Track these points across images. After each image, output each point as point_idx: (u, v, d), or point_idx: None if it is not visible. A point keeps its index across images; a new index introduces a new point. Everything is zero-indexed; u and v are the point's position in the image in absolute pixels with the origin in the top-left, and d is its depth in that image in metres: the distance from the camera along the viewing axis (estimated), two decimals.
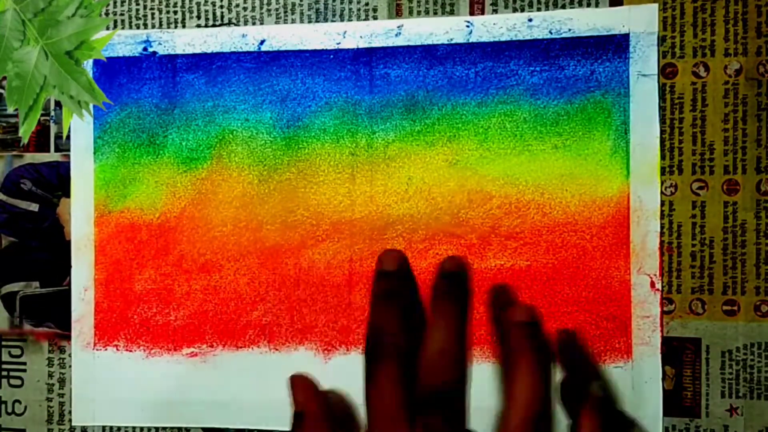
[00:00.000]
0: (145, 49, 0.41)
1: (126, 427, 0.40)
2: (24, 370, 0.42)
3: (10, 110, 0.40)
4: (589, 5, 0.38)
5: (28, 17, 0.38)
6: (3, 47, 0.38)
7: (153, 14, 0.41)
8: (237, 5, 0.40)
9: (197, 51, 0.40)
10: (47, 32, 0.38)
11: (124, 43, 0.41)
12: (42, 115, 0.41)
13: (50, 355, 0.41)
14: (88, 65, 0.40)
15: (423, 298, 0.24)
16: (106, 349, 0.41)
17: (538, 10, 0.38)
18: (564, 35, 0.38)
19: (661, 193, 0.37)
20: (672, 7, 0.37)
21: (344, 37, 0.39)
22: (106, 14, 0.41)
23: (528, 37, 0.38)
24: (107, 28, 0.41)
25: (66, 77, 0.38)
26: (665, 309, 0.37)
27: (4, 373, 0.42)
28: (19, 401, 0.42)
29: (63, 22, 0.38)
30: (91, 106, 0.40)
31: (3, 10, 0.38)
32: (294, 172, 0.39)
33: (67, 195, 0.41)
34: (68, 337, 0.41)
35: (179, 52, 0.40)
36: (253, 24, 0.40)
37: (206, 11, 0.40)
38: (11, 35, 0.38)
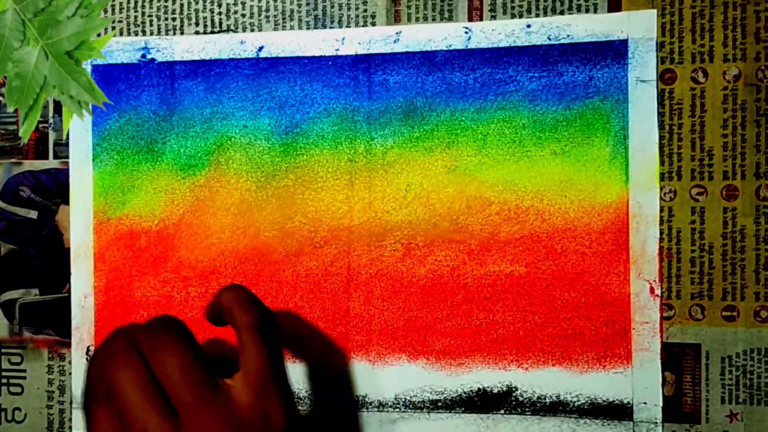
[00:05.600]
0: (143, 55, 0.40)
1: None
2: (24, 378, 0.42)
3: (10, 110, 0.40)
4: (587, 11, 0.38)
5: (28, 17, 0.38)
6: (3, 47, 0.38)
7: (151, 21, 0.41)
8: (235, 12, 0.40)
9: (195, 58, 0.40)
10: (47, 32, 0.38)
11: (122, 49, 0.41)
12: (40, 122, 0.41)
13: (50, 362, 0.41)
14: None
15: None
16: None
17: (537, 16, 0.38)
18: (562, 41, 0.37)
19: (661, 198, 0.37)
20: (671, 13, 0.37)
21: (343, 43, 0.39)
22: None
23: (526, 43, 0.38)
24: (106, 29, 0.41)
25: (66, 77, 0.38)
26: (665, 315, 0.37)
27: (4, 380, 0.42)
28: (18, 409, 0.42)
29: (63, 22, 0.38)
30: (90, 106, 0.40)
31: (3, 10, 0.38)
32: (292, 179, 0.39)
33: (66, 202, 0.41)
34: (68, 345, 0.41)
35: (177, 58, 0.40)
36: (252, 30, 0.40)
37: (204, 18, 0.40)
38: (11, 35, 0.38)
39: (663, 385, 0.37)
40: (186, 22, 0.41)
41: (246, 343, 0.29)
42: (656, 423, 0.37)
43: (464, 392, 0.38)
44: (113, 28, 0.41)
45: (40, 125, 0.41)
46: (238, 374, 0.28)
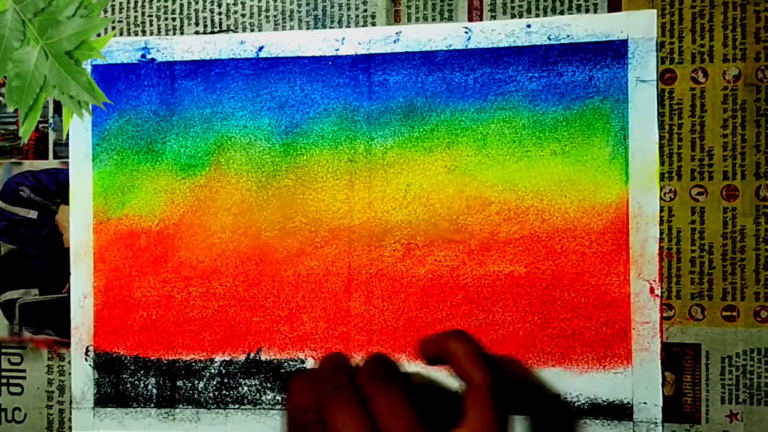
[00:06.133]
0: (143, 56, 0.40)
1: None
2: (24, 378, 0.42)
3: (10, 110, 0.41)
4: (587, 11, 0.38)
5: (28, 17, 0.38)
6: (3, 47, 0.38)
7: (151, 21, 0.41)
8: (235, 12, 0.40)
9: (195, 58, 0.40)
10: (47, 32, 0.38)
11: (122, 50, 0.41)
12: (40, 122, 0.41)
13: (50, 362, 0.41)
14: None
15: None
16: (105, 356, 0.41)
17: (537, 16, 0.38)
18: (562, 41, 0.37)
19: (661, 198, 0.37)
20: (671, 13, 0.37)
21: (343, 43, 0.39)
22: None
23: (526, 43, 0.38)
24: (106, 29, 0.41)
25: (66, 77, 0.38)
26: (665, 315, 0.37)
27: (4, 380, 0.42)
28: (18, 409, 0.42)
29: (63, 22, 0.38)
30: (90, 106, 0.40)
31: (3, 10, 0.38)
32: (292, 179, 0.39)
33: (66, 202, 0.41)
34: (68, 344, 0.41)
35: (177, 58, 0.40)
36: (252, 30, 0.40)
37: (204, 18, 0.40)
38: (11, 35, 0.38)
39: (663, 385, 0.37)
40: (186, 22, 0.41)
41: (477, 402, 0.29)
42: (656, 423, 0.37)
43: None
44: (113, 28, 0.41)
45: (40, 125, 0.41)
46: (460, 431, 0.28)
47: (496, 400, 0.29)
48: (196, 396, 0.40)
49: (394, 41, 0.39)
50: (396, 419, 0.27)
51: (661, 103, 0.37)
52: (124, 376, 0.40)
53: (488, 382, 0.29)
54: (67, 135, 0.41)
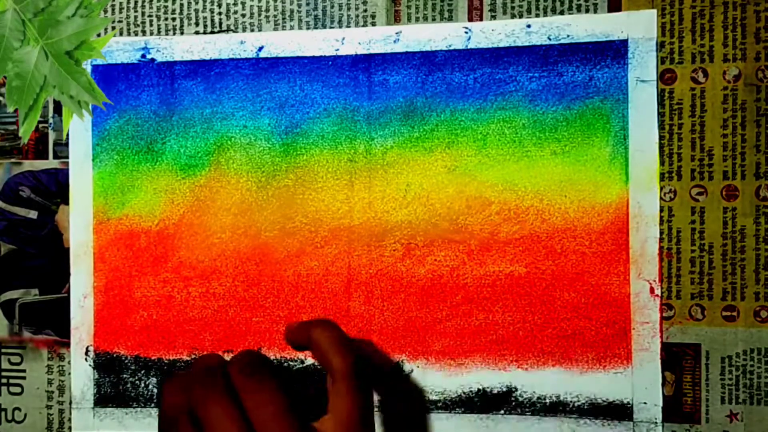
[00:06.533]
0: (143, 56, 0.40)
1: None
2: (24, 378, 0.42)
3: (10, 110, 0.41)
4: (587, 11, 0.38)
5: (28, 17, 0.38)
6: (3, 47, 0.38)
7: (151, 21, 0.41)
8: (235, 12, 0.40)
9: (195, 58, 0.40)
10: (47, 32, 0.38)
11: (122, 50, 0.41)
12: (40, 122, 0.41)
13: (50, 362, 0.41)
14: None
15: None
16: (105, 356, 0.41)
17: (537, 16, 0.38)
18: (563, 41, 0.37)
19: (661, 198, 0.37)
20: (671, 13, 0.37)
21: (343, 43, 0.39)
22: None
23: (526, 43, 0.38)
24: (106, 29, 0.41)
25: (66, 77, 0.38)
26: (665, 315, 0.37)
27: (4, 380, 0.42)
28: (18, 409, 0.42)
29: (63, 22, 0.38)
30: (90, 106, 0.40)
31: (3, 10, 0.38)
32: (292, 179, 0.39)
33: (66, 202, 0.41)
34: (67, 344, 0.41)
35: (177, 58, 0.40)
36: (252, 31, 0.40)
37: (204, 18, 0.40)
38: (11, 35, 0.38)
39: (663, 385, 0.37)
40: (186, 22, 0.41)
41: (340, 389, 0.29)
42: (656, 423, 0.37)
43: (464, 392, 0.38)
44: (113, 28, 0.41)
45: (40, 125, 0.41)
46: (327, 418, 0.29)
47: (358, 385, 0.29)
48: None
49: (394, 41, 0.39)
50: (265, 410, 0.27)
51: (661, 103, 0.37)
52: (124, 376, 0.40)
53: (348, 367, 0.29)
54: (67, 135, 0.41)
